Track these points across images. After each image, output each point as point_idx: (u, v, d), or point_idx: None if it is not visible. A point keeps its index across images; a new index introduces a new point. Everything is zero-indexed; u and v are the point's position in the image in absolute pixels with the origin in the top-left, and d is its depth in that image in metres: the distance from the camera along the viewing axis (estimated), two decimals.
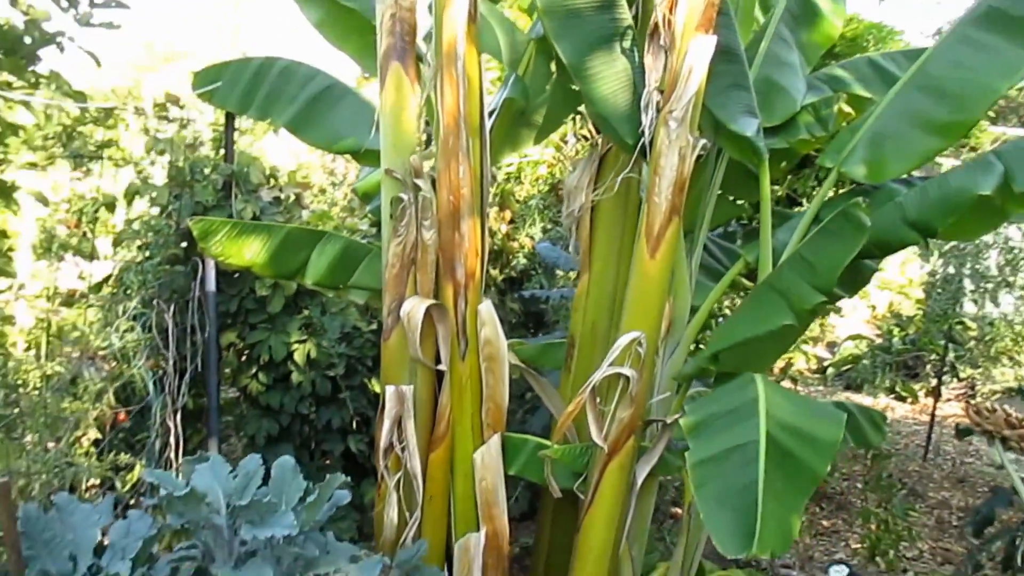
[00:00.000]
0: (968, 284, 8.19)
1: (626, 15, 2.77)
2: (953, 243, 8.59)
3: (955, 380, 8.52)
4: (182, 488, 1.87)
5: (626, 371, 2.69)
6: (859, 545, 5.06)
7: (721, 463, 2.14)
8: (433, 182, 2.85)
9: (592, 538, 2.84)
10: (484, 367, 2.97)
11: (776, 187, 5.94)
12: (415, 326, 2.79)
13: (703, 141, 2.67)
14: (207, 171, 3.91)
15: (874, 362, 8.74)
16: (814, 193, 4.84)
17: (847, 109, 3.36)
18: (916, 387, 8.66)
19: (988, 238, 8.16)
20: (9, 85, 3.31)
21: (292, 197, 4.20)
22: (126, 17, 3.56)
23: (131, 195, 3.78)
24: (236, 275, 3.98)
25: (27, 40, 3.27)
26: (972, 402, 2.71)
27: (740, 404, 2.29)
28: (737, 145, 2.85)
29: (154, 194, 3.77)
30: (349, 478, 4.22)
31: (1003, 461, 2.42)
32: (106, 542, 1.96)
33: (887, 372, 8.54)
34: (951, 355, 8.20)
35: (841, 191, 3.28)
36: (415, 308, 2.80)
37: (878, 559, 4.92)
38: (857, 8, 10.89)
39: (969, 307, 8.77)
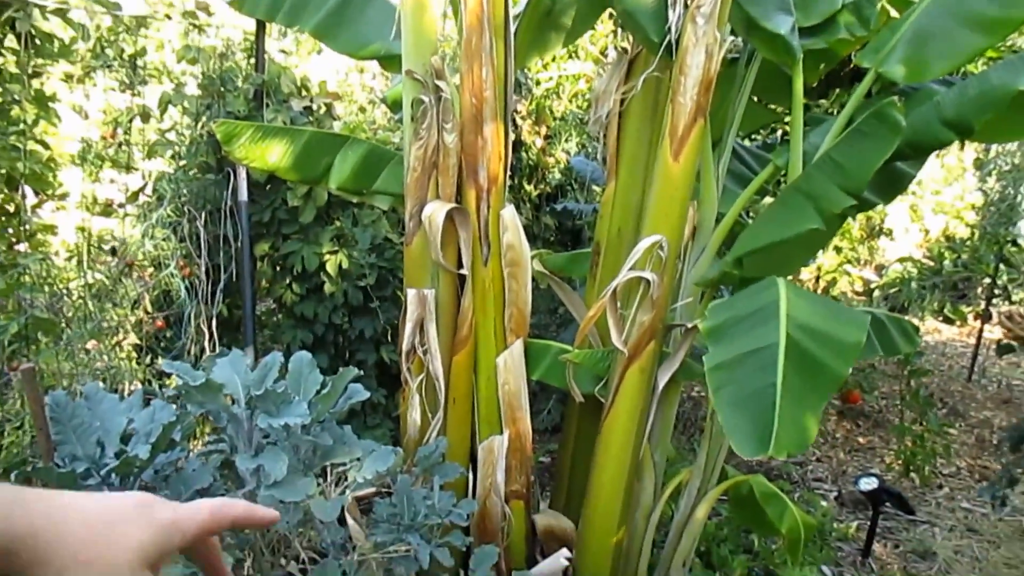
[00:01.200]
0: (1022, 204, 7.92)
1: None
2: (1012, 164, 8.29)
3: (1006, 303, 8.30)
4: (199, 379, 1.92)
5: (647, 275, 2.67)
6: (894, 461, 5.04)
7: (739, 366, 2.12)
8: (456, 85, 2.81)
9: (612, 441, 2.86)
10: (507, 272, 2.97)
11: (823, 101, 5.75)
12: (436, 230, 2.79)
13: (732, 38, 2.58)
14: (238, 81, 3.91)
15: (922, 284, 8.53)
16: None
17: (892, 12, 3.23)
18: (965, 310, 8.46)
19: None
20: None
21: (323, 108, 4.19)
22: None
23: (164, 105, 3.81)
24: (268, 186, 4.03)
25: None
26: (1004, 310, 2.63)
27: (761, 307, 2.25)
28: (770, 44, 2.74)
29: (186, 104, 3.79)
30: (382, 388, 4.36)
31: None
32: (132, 431, 2.03)
33: (935, 294, 8.33)
34: (1003, 277, 7.98)
35: (880, 94, 3.15)
36: (436, 212, 2.80)
37: (913, 474, 4.91)
38: None
39: None
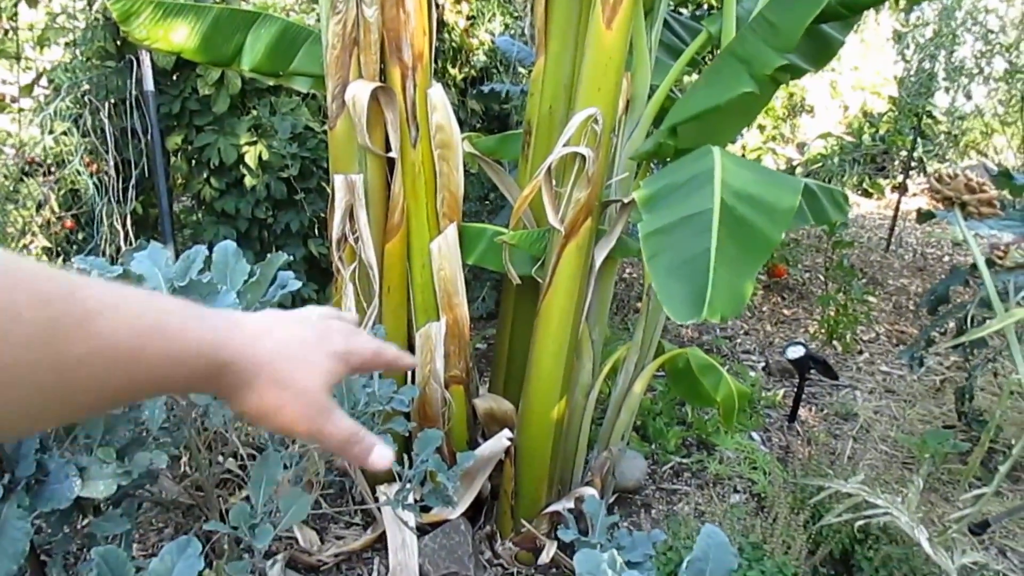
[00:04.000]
0: (941, 75, 8.04)
1: None
2: (929, 36, 8.36)
3: (922, 175, 8.55)
4: (115, 271, 1.81)
5: (582, 150, 2.60)
6: (818, 330, 5.21)
7: (674, 232, 2.09)
8: None
9: (551, 320, 2.85)
10: (437, 155, 2.87)
11: None
12: (361, 111, 2.66)
13: None
14: None
15: (842, 160, 8.71)
16: None
17: None
18: (883, 183, 8.69)
19: (964, 26, 7.94)
20: None
21: None
22: None
23: None
24: (176, 75, 3.78)
25: None
26: (931, 172, 2.67)
27: (696, 174, 2.22)
28: None
29: None
30: (312, 283, 4.26)
31: (961, 228, 2.40)
32: None
33: (855, 169, 8.52)
34: (919, 150, 8.19)
35: None
36: (360, 91, 2.66)
37: (835, 342, 5.09)
38: None
39: (943, 101, 8.67)
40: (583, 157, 2.61)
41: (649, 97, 2.90)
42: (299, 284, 2.22)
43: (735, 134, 3.74)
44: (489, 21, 5.62)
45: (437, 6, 5.01)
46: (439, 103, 2.81)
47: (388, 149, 2.83)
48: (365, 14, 2.65)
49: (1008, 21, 8.32)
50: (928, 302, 4.20)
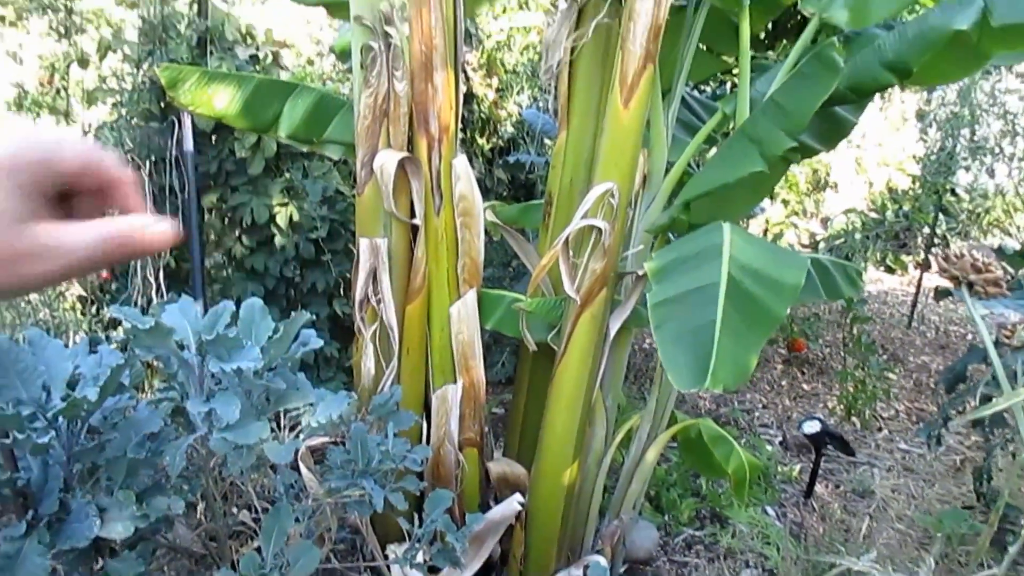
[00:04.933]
0: (964, 153, 8.12)
1: None
2: (952, 114, 8.46)
3: (959, 249, 8.55)
4: (148, 323, 1.91)
5: (598, 222, 2.69)
6: (837, 406, 5.20)
7: (681, 303, 2.17)
8: (405, 32, 2.78)
9: (565, 387, 2.91)
10: (460, 222, 2.98)
11: (771, 52, 5.80)
12: (388, 179, 2.78)
13: None
14: (181, 27, 3.81)
15: (865, 235, 8.75)
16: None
17: None
18: (906, 259, 8.70)
19: (985, 106, 8.04)
20: None
21: (270, 56, 4.11)
22: None
23: (103, 50, 3.70)
24: (214, 136, 3.95)
25: None
26: (940, 250, 2.73)
27: (705, 248, 2.30)
28: None
29: (127, 49, 3.68)
30: (335, 341, 4.35)
31: (968, 306, 2.44)
32: (79, 376, 2.01)
33: (877, 244, 8.56)
34: (942, 227, 8.22)
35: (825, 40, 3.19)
36: (388, 161, 2.78)
37: (854, 418, 5.08)
38: None
39: (966, 178, 8.73)
40: (599, 229, 2.70)
41: (666, 172, 3.01)
42: (321, 342, 2.31)
43: (748, 210, 3.83)
44: (517, 94, 5.81)
45: (467, 79, 5.21)
46: (463, 173, 2.93)
47: (412, 215, 2.94)
48: (396, 88, 2.79)
49: None
50: (946, 380, 4.20)
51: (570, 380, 2.90)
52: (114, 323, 3.53)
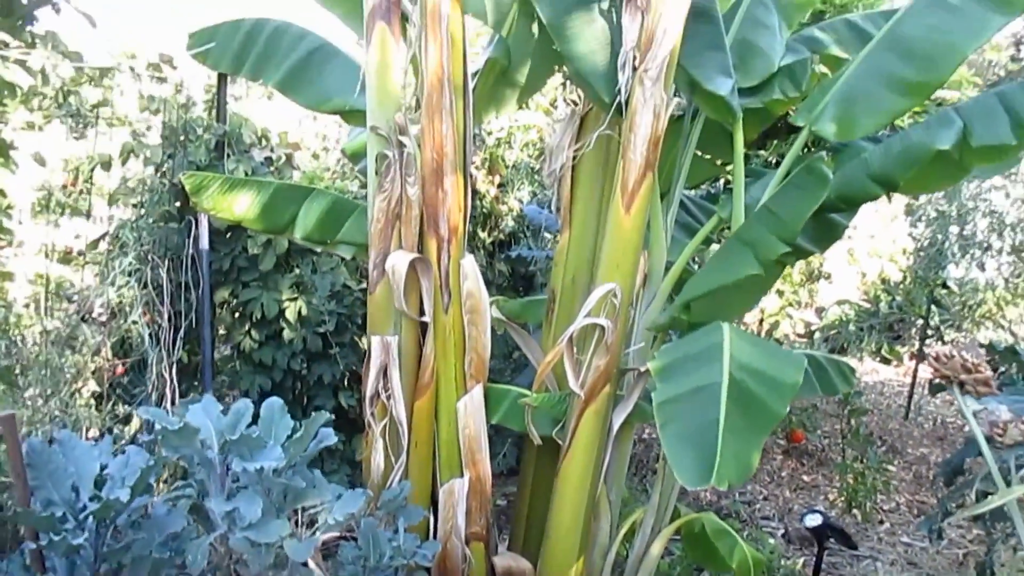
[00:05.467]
0: (954, 248, 8.32)
1: None
2: (941, 209, 8.71)
3: (939, 343, 8.65)
4: (176, 423, 1.99)
5: (601, 321, 2.81)
6: (837, 498, 5.22)
7: (685, 402, 2.26)
8: (418, 140, 2.94)
9: (569, 481, 2.97)
10: (467, 319, 3.08)
11: (763, 152, 6.04)
12: (400, 279, 2.90)
13: (677, 99, 2.77)
14: (200, 131, 3.99)
15: (859, 326, 8.87)
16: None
17: (824, 70, 3.47)
18: (901, 350, 8.80)
19: (972, 203, 8.29)
20: (5, 45, 3.38)
21: (283, 158, 4.29)
22: None
23: (126, 154, 3.87)
24: (228, 234, 4.09)
25: (23, 0, 3.35)
26: (933, 348, 2.83)
27: (706, 348, 2.40)
28: (712, 104, 2.94)
29: (148, 153, 3.86)
30: (340, 433, 4.40)
31: (960, 405, 2.54)
32: (106, 476, 2.08)
33: (872, 335, 8.67)
34: (935, 319, 8.35)
35: (814, 149, 3.38)
36: (399, 261, 2.91)
37: (855, 511, 5.09)
38: None
39: (956, 272, 8.90)
40: (603, 327, 2.81)
41: (666, 272, 3.14)
42: (336, 438, 2.39)
43: (746, 309, 3.95)
44: (518, 189, 6.00)
45: (470, 176, 5.40)
46: (470, 272, 3.05)
47: (422, 313, 3.05)
48: (408, 192, 2.94)
49: (1017, 198, 8.64)
50: (944, 473, 4.25)
51: (575, 474, 2.96)
52: (127, 418, 3.60)
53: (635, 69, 2.73)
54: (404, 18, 3.01)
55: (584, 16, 2.80)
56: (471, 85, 3.06)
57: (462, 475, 3.14)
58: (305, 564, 2.87)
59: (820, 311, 10.72)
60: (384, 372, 3.01)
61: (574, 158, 3.28)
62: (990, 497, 2.46)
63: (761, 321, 9.54)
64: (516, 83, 3.45)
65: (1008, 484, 2.55)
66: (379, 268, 3.00)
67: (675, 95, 3.04)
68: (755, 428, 2.18)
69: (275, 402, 2.28)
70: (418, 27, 2.91)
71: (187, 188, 2.97)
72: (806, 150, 3.09)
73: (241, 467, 1.98)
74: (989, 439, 2.94)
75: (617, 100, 2.78)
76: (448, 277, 3.01)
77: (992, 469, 2.49)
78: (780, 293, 9.78)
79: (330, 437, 2.30)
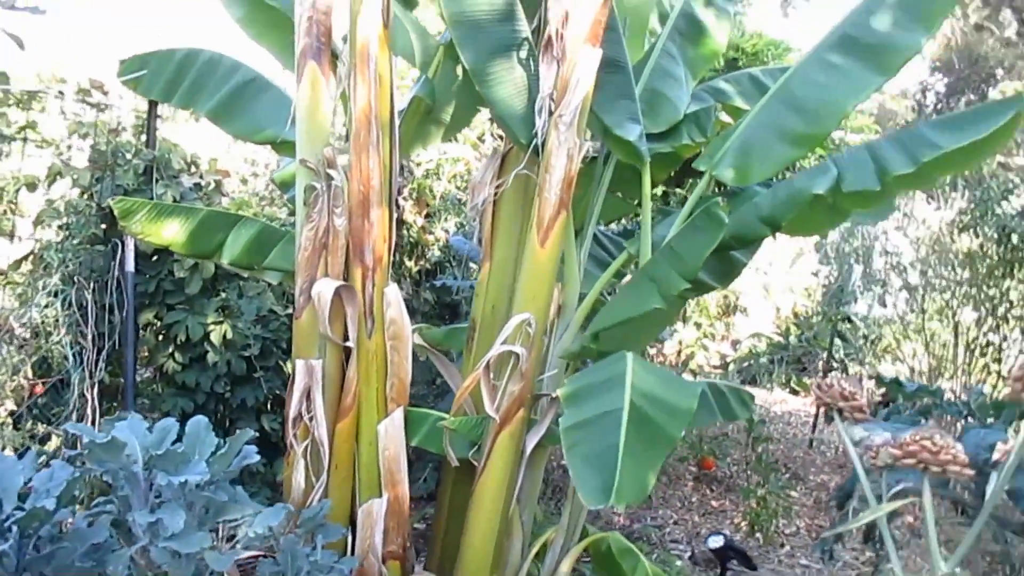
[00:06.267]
0: (858, 285, 8.80)
1: (525, 28, 3.06)
2: (848, 248, 9.20)
3: (843, 375, 9.11)
4: (103, 437, 2.07)
5: (516, 349, 2.98)
6: (742, 522, 5.48)
7: (589, 427, 2.44)
8: (346, 173, 3.08)
9: (484, 501, 3.11)
10: (390, 345, 3.22)
11: (679, 190, 6.35)
12: (325, 305, 3.02)
13: (590, 143, 2.98)
14: (129, 156, 4.05)
15: (771, 358, 9.29)
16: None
17: (727, 119, 3.75)
18: (808, 381, 9.23)
19: (871, 243, 8.79)
20: None
21: (212, 184, 4.37)
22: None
23: (53, 176, 3.90)
24: (155, 257, 4.13)
25: None
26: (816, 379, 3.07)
27: (610, 376, 2.60)
28: (622, 148, 3.17)
29: (76, 176, 3.89)
30: (262, 456, 4.45)
31: (839, 430, 2.78)
32: (30, 488, 2.15)
33: (782, 367, 9.08)
34: (839, 352, 8.81)
35: (717, 191, 3.64)
36: (325, 289, 3.04)
37: (758, 534, 5.35)
38: (765, 21, 11.51)
39: (861, 307, 9.39)
40: (518, 355, 2.98)
41: (579, 303, 3.33)
42: (258, 457, 2.49)
43: (651, 339, 4.18)
44: (445, 220, 6.17)
45: (398, 206, 5.54)
46: (394, 300, 3.20)
47: (346, 339, 3.18)
48: (335, 223, 3.08)
49: (916, 237, 9.14)
50: (837, 497, 4.53)
51: (489, 494, 3.11)
52: (45, 439, 3.60)
53: (551, 114, 2.94)
54: (335, 56, 3.17)
55: (504, 63, 3.00)
56: (397, 122, 3.22)
57: (381, 495, 3.25)
58: None
59: (735, 343, 11.17)
60: (308, 395, 3.11)
61: (495, 194, 3.46)
62: (860, 514, 2.69)
63: (679, 352, 9.89)
64: (441, 121, 3.63)
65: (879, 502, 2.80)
66: (305, 294, 3.12)
67: (590, 139, 3.26)
68: (652, 451, 2.38)
69: (200, 420, 2.37)
70: (347, 66, 3.07)
71: (116, 212, 3.04)
72: (710, 192, 3.34)
73: (166, 480, 2.08)
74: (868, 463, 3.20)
75: (534, 142, 2.98)
76: (372, 304, 3.15)
77: (865, 488, 2.74)
78: (698, 325, 10.16)
79: (252, 455, 2.40)
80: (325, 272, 3.13)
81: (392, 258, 5.68)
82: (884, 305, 9.50)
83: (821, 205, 2.65)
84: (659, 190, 5.50)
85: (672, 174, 4.70)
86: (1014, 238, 6.04)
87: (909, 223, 7.99)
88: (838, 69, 2.99)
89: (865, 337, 9.07)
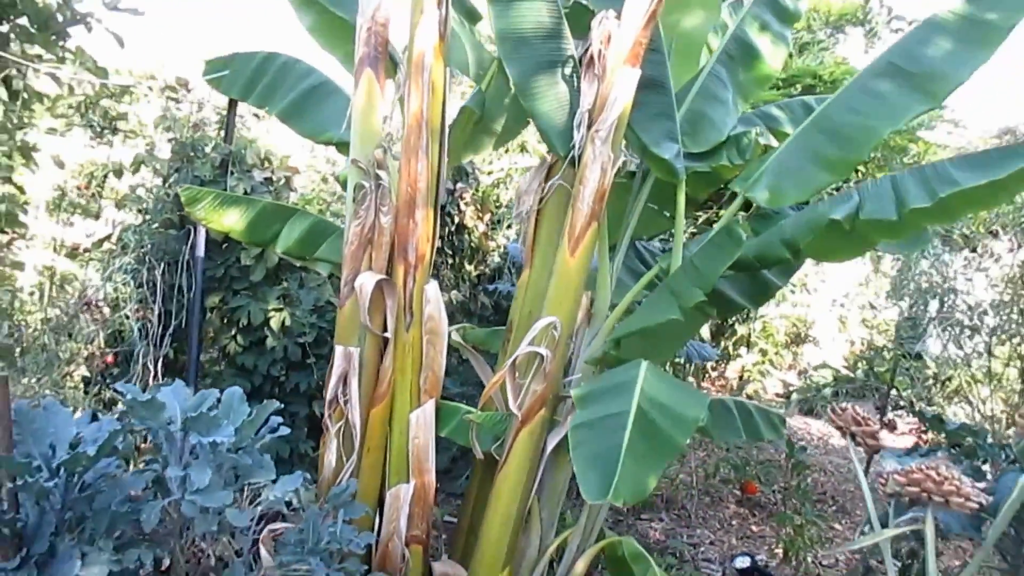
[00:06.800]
0: (933, 323, 8.59)
1: (569, 45, 3.21)
2: (927, 285, 9.01)
3: (910, 415, 8.89)
4: (145, 397, 2.31)
5: (541, 350, 3.12)
6: (779, 548, 5.45)
7: (596, 427, 2.56)
8: (395, 174, 3.29)
9: (502, 495, 3.25)
10: (426, 339, 3.39)
11: (722, 211, 6.37)
12: (365, 297, 3.22)
13: (624, 158, 3.10)
14: (207, 149, 4.36)
15: (835, 391, 9.14)
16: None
17: (775, 143, 3.81)
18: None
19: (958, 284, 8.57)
20: (39, 57, 3.77)
21: (283, 179, 4.65)
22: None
23: (137, 165, 4.24)
24: (225, 245, 4.43)
25: (59, 18, 3.73)
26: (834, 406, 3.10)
27: (622, 381, 2.71)
28: (658, 165, 3.28)
29: (158, 165, 4.22)
30: (311, 439, 4.69)
31: (852, 454, 2.83)
32: (80, 438, 2.40)
33: (844, 400, 8.92)
34: (906, 389, 8.62)
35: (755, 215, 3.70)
36: (367, 281, 3.23)
37: (794, 562, 5.32)
38: (851, 52, 11.36)
39: (936, 347, 9.16)
40: (542, 356, 3.12)
41: (613, 310, 3.45)
42: (288, 430, 2.69)
43: (674, 350, 4.21)
44: (507, 227, 6.35)
45: (459, 211, 5.75)
46: (433, 297, 3.37)
47: (385, 330, 3.37)
48: (381, 221, 3.28)
49: (999, 277, 8.87)
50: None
51: (507, 488, 3.24)
52: (112, 403, 3.91)
53: (588, 129, 3.08)
54: (395, 63, 3.38)
55: (548, 78, 3.16)
56: (447, 131, 3.41)
57: (408, 481, 3.42)
58: (258, 551, 3.17)
59: (803, 373, 11.00)
60: (344, 379, 3.32)
61: (541, 202, 3.61)
62: (863, 536, 2.73)
63: (741, 376, 9.83)
64: (493, 131, 3.81)
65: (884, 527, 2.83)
66: (349, 285, 3.33)
67: (630, 155, 3.39)
68: (655, 455, 2.48)
69: (236, 391, 2.59)
70: (403, 75, 3.28)
71: (183, 199, 3.32)
72: (745, 213, 3.41)
73: (197, 440, 2.29)
74: (873, 487, 3.22)
75: (571, 155, 3.13)
76: (412, 299, 3.33)
77: (871, 512, 2.78)
78: (763, 352, 10.08)
79: (281, 426, 2.60)
80: (369, 266, 3.33)
81: (453, 260, 5.92)
82: (960, 347, 9.24)
83: (839, 231, 2.70)
84: (706, 213, 5.54)
85: (719, 196, 4.77)
86: None
87: (983, 260, 7.79)
88: (878, 95, 3.03)
89: (935, 377, 8.83)
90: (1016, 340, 6.87)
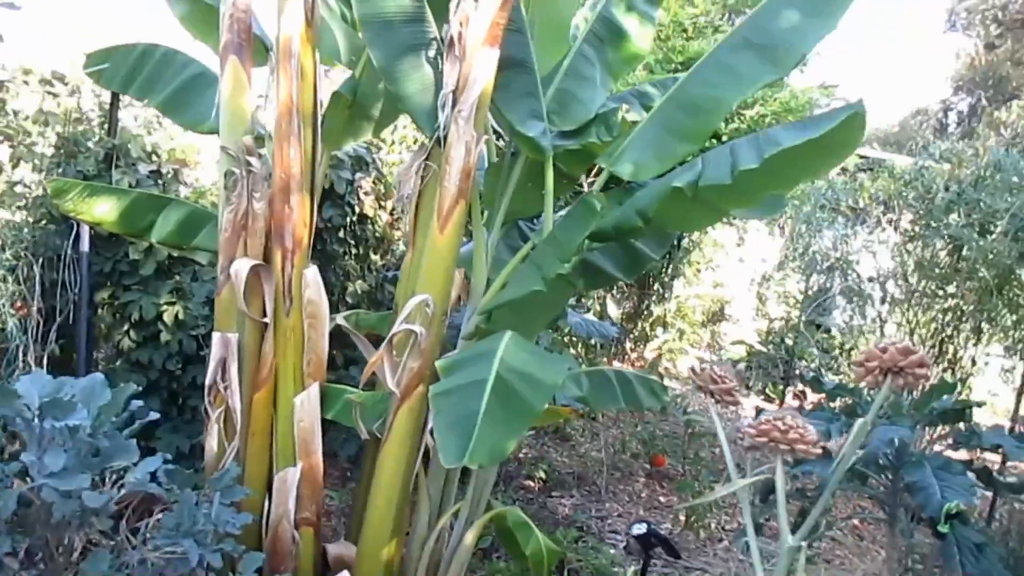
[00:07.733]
0: (839, 297, 8.92)
1: (432, 28, 3.28)
2: (832, 258, 9.34)
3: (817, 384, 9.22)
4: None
5: (415, 328, 3.18)
6: (683, 518, 5.64)
7: (455, 395, 2.64)
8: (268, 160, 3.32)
9: (385, 472, 3.31)
10: (307, 324, 3.43)
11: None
12: (240, 282, 3.25)
13: (486, 137, 3.19)
14: (90, 144, 4.32)
15: (748, 365, 9.42)
16: None
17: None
18: (786, 390, 9.35)
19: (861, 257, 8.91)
20: None
21: (171, 173, 4.63)
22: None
23: (16, 161, 4.18)
24: (112, 239, 4.40)
25: None
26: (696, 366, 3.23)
27: (484, 351, 2.80)
28: (526, 143, 3.37)
29: (37, 161, 4.17)
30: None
31: (712, 413, 2.96)
32: None
33: (759, 375, 9.21)
34: (816, 362, 8.93)
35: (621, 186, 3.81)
36: (242, 267, 3.26)
37: (698, 527, 5.51)
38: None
39: (842, 318, 9.51)
40: (417, 333, 3.19)
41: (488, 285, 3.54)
42: (156, 415, 2.72)
43: (544, 322, 4.28)
44: None
45: (359, 201, 5.77)
46: (312, 281, 3.41)
47: (264, 315, 3.40)
48: (254, 207, 3.30)
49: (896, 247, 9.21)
50: (760, 491, 4.69)
51: (390, 465, 3.31)
52: None
53: (452, 109, 3.15)
54: (266, 49, 3.41)
55: (412, 62, 3.22)
56: (320, 116, 3.45)
57: (295, 465, 3.46)
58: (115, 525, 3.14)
59: (719, 350, 11.30)
60: (223, 365, 3.34)
61: (421, 184, 3.67)
62: (718, 487, 2.87)
63: (659, 355, 10.05)
64: (371, 116, 3.86)
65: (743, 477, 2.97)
66: (225, 272, 3.35)
67: (499, 136, 3.47)
68: (513, 419, 2.58)
69: (97, 376, 2.61)
70: (272, 61, 3.31)
71: (50, 192, 3.30)
72: (610, 187, 3.52)
73: (51, 424, 2.31)
74: (733, 441, 3.37)
75: (437, 135, 3.20)
76: (291, 284, 3.36)
77: (729, 465, 2.92)
78: (681, 332, 10.31)
79: (143, 411, 2.63)
80: (245, 253, 3.35)
81: (357, 250, 5.92)
82: (864, 317, 9.61)
83: (683, 199, 2.80)
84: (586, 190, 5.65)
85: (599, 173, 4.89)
86: (964, 249, 6.16)
87: (881, 234, 8.11)
88: (729, 68, 3.15)
89: (840, 346, 9.18)
90: (905, 307, 7.18)
